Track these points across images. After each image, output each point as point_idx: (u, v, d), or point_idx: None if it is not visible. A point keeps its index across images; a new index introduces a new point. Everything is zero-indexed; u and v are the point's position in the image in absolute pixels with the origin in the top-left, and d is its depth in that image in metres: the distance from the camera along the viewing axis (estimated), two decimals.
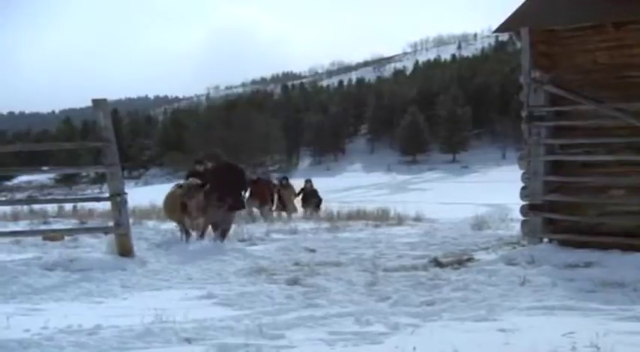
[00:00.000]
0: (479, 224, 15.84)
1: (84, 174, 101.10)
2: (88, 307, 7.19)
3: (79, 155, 79.00)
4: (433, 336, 5.45)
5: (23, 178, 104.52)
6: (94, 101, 10.07)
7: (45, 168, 15.39)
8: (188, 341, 5.37)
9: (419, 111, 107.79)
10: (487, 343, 5.09)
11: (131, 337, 5.46)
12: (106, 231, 11.18)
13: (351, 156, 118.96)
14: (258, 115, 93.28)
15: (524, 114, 10.49)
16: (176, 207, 13.06)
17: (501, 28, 10.67)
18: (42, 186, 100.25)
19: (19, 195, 76.27)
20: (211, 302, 7.48)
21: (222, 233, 12.56)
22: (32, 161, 67.48)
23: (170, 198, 13.55)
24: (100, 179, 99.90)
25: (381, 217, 20.14)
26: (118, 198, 10.19)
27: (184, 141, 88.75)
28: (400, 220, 18.62)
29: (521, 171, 10.67)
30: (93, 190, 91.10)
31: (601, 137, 10.07)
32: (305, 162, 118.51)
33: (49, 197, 52.51)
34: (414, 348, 4.89)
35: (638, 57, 9.85)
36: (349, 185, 74.57)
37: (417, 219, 19.60)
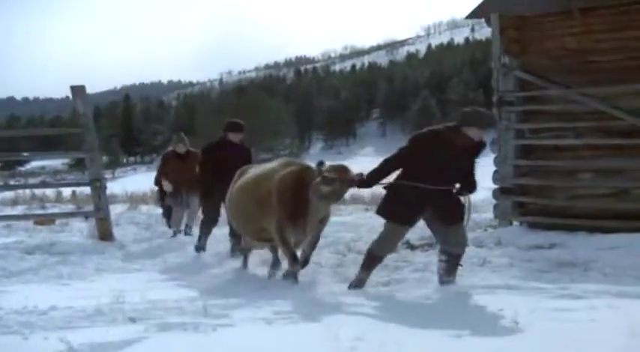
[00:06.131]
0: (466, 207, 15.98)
1: None
2: (55, 289, 7.40)
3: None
4: (370, 316, 5.63)
5: (36, 163, 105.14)
6: (72, 88, 10.32)
7: (25, 153, 15.75)
8: (132, 320, 5.57)
9: (430, 95, 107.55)
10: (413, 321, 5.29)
11: (79, 317, 5.64)
12: (86, 215, 11.45)
13: (363, 141, 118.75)
14: (269, 99, 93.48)
15: (494, 99, 10.66)
16: (266, 208, 7.43)
17: (473, 14, 10.81)
18: (55, 172, 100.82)
19: (32, 180, 76.69)
20: (175, 284, 7.69)
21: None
22: (44, 146, 68.34)
23: (261, 187, 7.62)
24: (112, 164, 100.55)
25: (375, 201, 20.26)
26: (97, 183, 10.45)
27: (196, 126, 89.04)
28: None
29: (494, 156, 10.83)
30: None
31: (569, 121, 10.24)
32: (317, 147, 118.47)
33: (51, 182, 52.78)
34: (340, 326, 5.08)
35: (605, 42, 10.01)
36: (360, 169, 74.03)
37: None
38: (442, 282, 6.99)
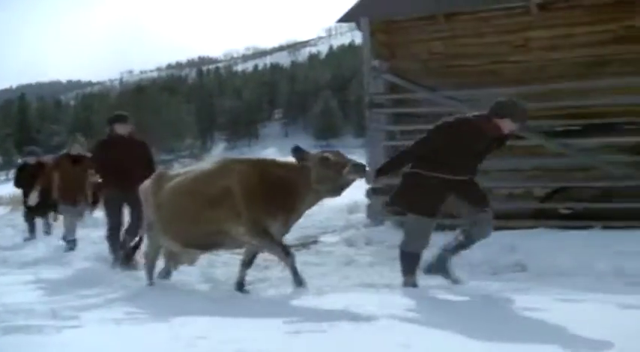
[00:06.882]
0: (353, 208, 16.23)
1: None
2: None
3: None
4: (217, 315, 5.71)
5: None
6: None
7: None
8: None
9: (332, 95, 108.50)
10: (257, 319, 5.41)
11: None
12: None
13: (266, 141, 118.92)
14: (170, 99, 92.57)
15: (365, 101, 10.93)
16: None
17: (343, 18, 11.05)
18: None
19: None
20: (37, 287, 7.53)
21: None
22: None
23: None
24: (6, 165, 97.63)
25: None
26: None
27: (94, 126, 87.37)
28: None
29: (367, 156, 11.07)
30: None
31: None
32: (219, 147, 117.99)
33: None
34: (184, 326, 5.16)
35: (468, 47, 10.46)
36: None
37: None
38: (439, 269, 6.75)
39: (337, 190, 6.51)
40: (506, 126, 6.29)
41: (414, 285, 6.59)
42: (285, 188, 6.50)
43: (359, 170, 6.26)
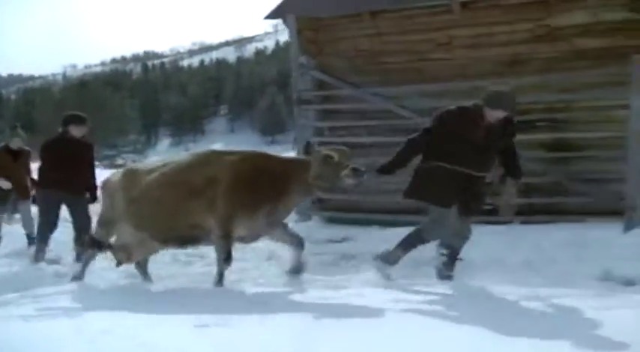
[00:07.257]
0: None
1: None
2: None
3: None
4: (125, 309, 5.73)
5: None
6: None
7: None
8: None
9: (278, 91, 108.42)
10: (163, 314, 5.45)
11: None
12: None
13: (211, 137, 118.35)
14: (113, 95, 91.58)
15: (294, 97, 11.04)
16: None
17: (271, 15, 11.13)
18: None
19: None
20: None
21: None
22: None
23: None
24: None
25: None
26: None
27: (36, 122, 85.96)
28: None
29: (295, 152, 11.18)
30: None
31: (363, 120, 10.70)
32: (164, 143, 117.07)
33: None
34: (89, 320, 5.19)
35: (393, 44, 10.61)
36: None
37: None
38: (442, 277, 6.47)
39: (330, 189, 6.59)
40: (495, 114, 6.12)
41: (396, 262, 6.63)
42: (276, 181, 6.40)
43: (357, 175, 6.19)
